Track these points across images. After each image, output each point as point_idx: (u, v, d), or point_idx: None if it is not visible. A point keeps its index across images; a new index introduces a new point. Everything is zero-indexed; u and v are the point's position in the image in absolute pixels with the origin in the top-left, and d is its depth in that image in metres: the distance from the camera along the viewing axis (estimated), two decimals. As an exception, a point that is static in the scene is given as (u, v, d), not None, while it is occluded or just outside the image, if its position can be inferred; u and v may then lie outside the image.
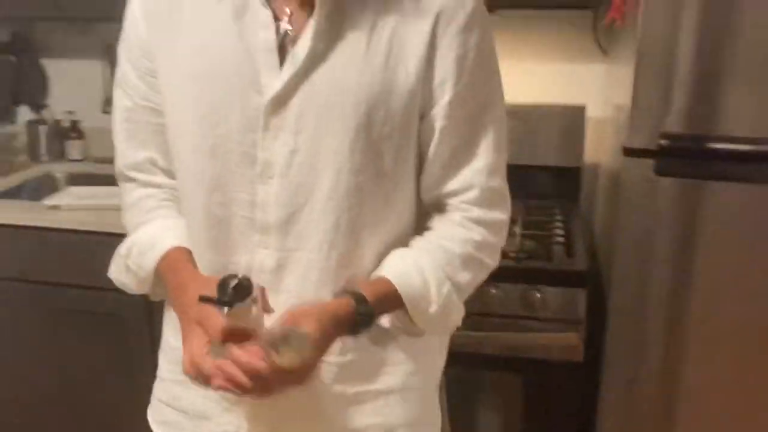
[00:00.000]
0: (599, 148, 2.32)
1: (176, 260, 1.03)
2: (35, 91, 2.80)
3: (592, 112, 2.27)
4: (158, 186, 1.10)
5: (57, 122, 2.73)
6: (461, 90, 0.96)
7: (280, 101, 0.92)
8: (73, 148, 2.71)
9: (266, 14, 0.93)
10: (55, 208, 2.16)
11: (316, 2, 0.91)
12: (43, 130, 2.70)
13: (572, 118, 2.23)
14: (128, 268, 1.08)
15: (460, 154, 0.99)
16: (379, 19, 0.92)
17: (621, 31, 1.83)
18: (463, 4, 0.95)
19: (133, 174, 1.11)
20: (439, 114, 0.96)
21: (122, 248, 1.10)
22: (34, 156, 2.72)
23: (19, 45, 2.75)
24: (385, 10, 0.93)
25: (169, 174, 1.08)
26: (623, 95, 1.60)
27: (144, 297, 1.12)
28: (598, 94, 2.29)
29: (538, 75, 2.32)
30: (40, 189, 2.60)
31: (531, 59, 2.31)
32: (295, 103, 0.92)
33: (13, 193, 2.48)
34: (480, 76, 0.98)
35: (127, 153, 1.09)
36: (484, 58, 0.98)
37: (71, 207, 2.16)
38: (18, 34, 2.74)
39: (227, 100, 0.93)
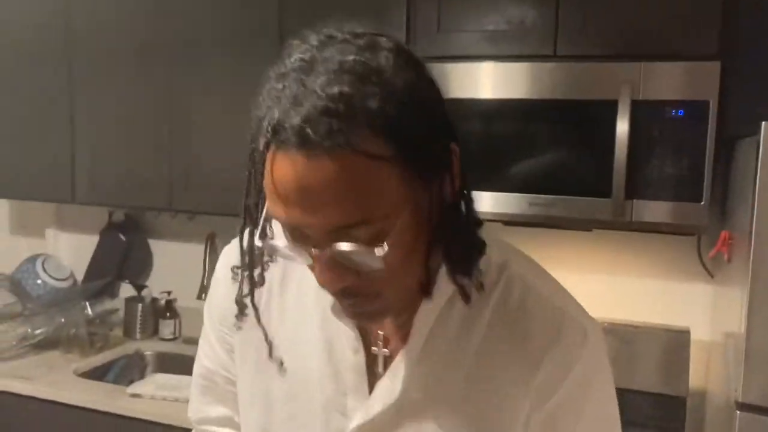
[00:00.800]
0: (706, 375, 2.14)
1: None
2: (139, 270, 2.92)
3: (698, 335, 2.12)
4: None
5: (154, 301, 2.82)
6: None
7: None
8: (166, 327, 2.77)
9: (354, 337, 0.83)
10: (136, 396, 2.16)
11: (408, 340, 0.81)
12: (139, 307, 2.78)
13: (676, 342, 2.08)
14: None
15: None
16: (478, 365, 0.81)
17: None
18: (578, 357, 0.79)
19: (204, 427, 1.03)
20: None
21: None
22: (128, 332, 2.78)
23: (129, 225, 2.92)
24: (486, 355, 0.81)
25: None
26: (735, 324, 1.47)
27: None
28: (703, 316, 2.15)
29: (640, 292, 2.21)
30: (128, 368, 2.64)
31: (633, 276, 2.22)
32: None
33: (101, 372, 2.52)
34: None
35: (201, 407, 1.01)
36: (600, 415, 0.84)
37: (152, 397, 2.15)
38: (130, 216, 2.92)
39: (309, 416, 0.85)
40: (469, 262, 0.78)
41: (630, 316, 2.18)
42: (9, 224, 3.19)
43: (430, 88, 0.71)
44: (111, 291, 2.97)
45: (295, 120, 0.62)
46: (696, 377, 2.13)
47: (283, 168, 0.64)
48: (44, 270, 2.87)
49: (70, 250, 3.05)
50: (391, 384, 0.82)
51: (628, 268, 2.22)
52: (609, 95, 1.79)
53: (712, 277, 2.11)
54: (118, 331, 2.79)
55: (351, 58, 0.65)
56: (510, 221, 1.94)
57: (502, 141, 1.92)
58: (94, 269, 2.96)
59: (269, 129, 0.64)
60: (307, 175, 0.63)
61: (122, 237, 2.91)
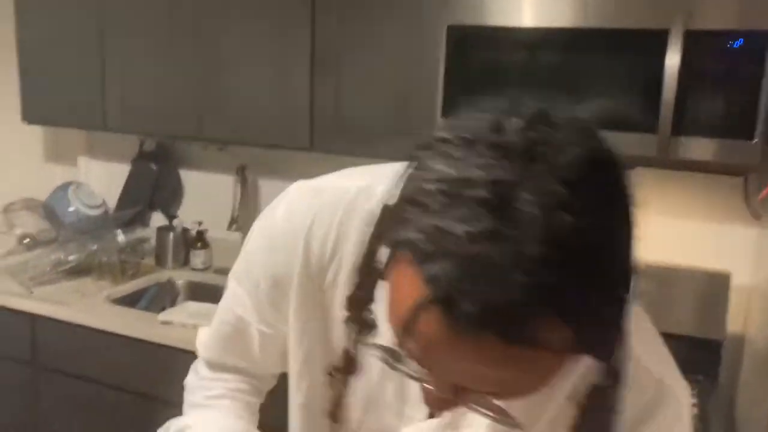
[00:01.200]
0: (745, 319, 2.08)
1: None
2: (170, 200, 2.92)
3: (738, 279, 2.05)
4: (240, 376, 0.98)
5: (185, 231, 2.81)
6: None
7: None
8: (197, 257, 2.77)
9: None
10: (167, 323, 2.18)
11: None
12: (171, 237, 2.78)
13: (716, 285, 2.02)
14: None
15: None
16: (559, 423, 0.75)
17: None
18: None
19: (219, 374, 0.97)
20: None
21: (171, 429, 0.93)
22: (160, 261, 2.79)
23: (161, 155, 2.90)
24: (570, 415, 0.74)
25: (260, 378, 0.97)
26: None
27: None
28: (745, 259, 2.08)
29: (681, 233, 2.14)
30: (159, 296, 2.65)
31: (675, 216, 2.14)
32: None
33: (133, 299, 2.54)
34: None
35: (219, 353, 0.96)
36: None
37: (183, 324, 2.16)
38: (161, 144, 2.90)
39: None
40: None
41: (669, 258, 2.11)
42: (43, 151, 3.20)
43: (633, 247, 0.57)
44: (142, 220, 2.98)
45: (475, 303, 0.48)
46: (734, 321, 2.07)
47: (439, 335, 0.51)
48: (76, 197, 2.88)
49: (102, 179, 3.05)
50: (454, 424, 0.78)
51: (669, 208, 2.15)
52: (660, 24, 1.68)
53: (757, 219, 2.02)
54: (149, 260, 2.80)
55: (566, 220, 0.48)
56: (549, 156, 1.87)
57: (544, 71, 1.83)
58: (125, 198, 2.96)
59: (438, 291, 0.50)
60: (466, 355, 0.51)
61: (153, 166, 2.89)
